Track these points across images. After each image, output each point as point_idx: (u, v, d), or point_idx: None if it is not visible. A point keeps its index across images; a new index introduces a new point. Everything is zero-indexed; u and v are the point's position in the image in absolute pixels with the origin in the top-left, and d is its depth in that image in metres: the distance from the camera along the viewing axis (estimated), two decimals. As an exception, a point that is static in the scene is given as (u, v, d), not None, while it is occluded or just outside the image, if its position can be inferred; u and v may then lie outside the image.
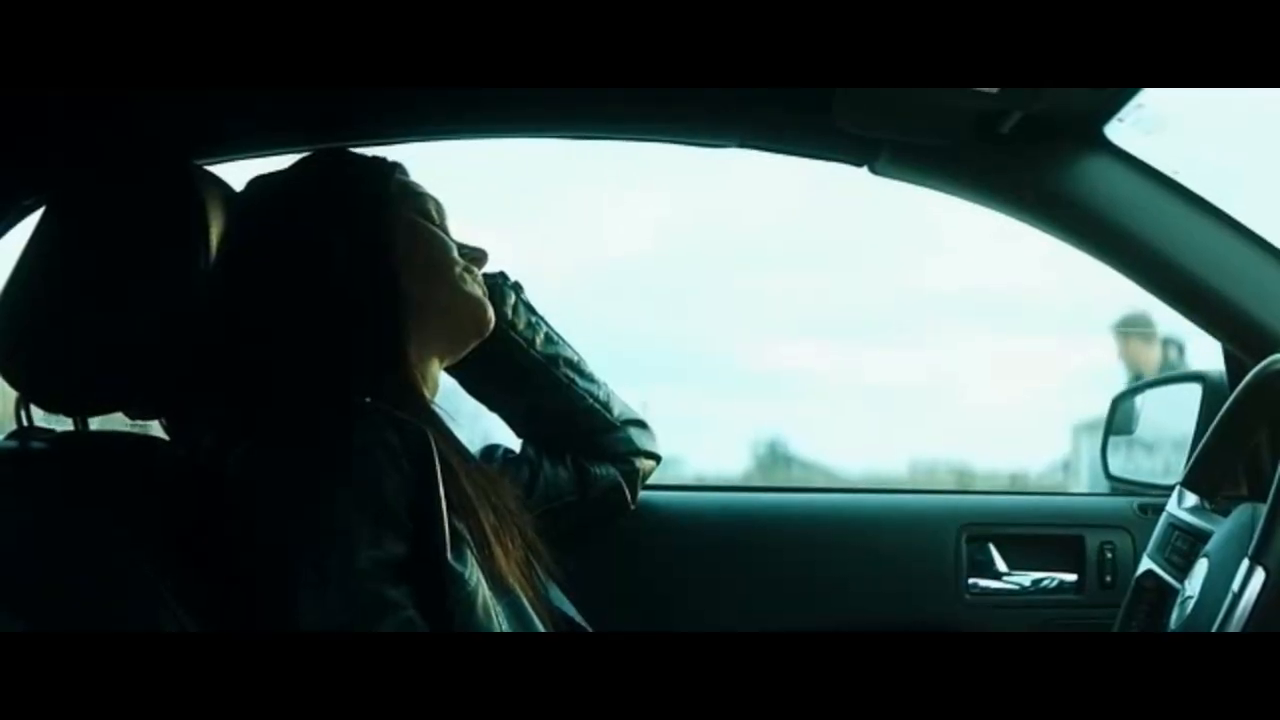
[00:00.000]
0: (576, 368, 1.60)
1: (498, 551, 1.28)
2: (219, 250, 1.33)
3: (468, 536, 1.25)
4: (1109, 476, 1.92)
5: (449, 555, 1.22)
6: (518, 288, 1.58)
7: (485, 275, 1.48)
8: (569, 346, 1.61)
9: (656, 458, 1.67)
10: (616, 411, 1.63)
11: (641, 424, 1.66)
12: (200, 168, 1.41)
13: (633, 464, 1.64)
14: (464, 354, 1.44)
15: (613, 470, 1.62)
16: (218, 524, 1.23)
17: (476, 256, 1.44)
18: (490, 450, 1.59)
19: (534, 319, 1.58)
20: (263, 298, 1.31)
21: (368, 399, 1.25)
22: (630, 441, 1.63)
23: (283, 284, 1.32)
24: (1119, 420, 1.93)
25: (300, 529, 1.18)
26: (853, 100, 1.48)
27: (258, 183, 1.40)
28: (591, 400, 1.60)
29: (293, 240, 1.33)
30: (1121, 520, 1.84)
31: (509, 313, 1.54)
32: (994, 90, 1.37)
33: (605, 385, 1.63)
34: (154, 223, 1.31)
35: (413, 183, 1.42)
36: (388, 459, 1.20)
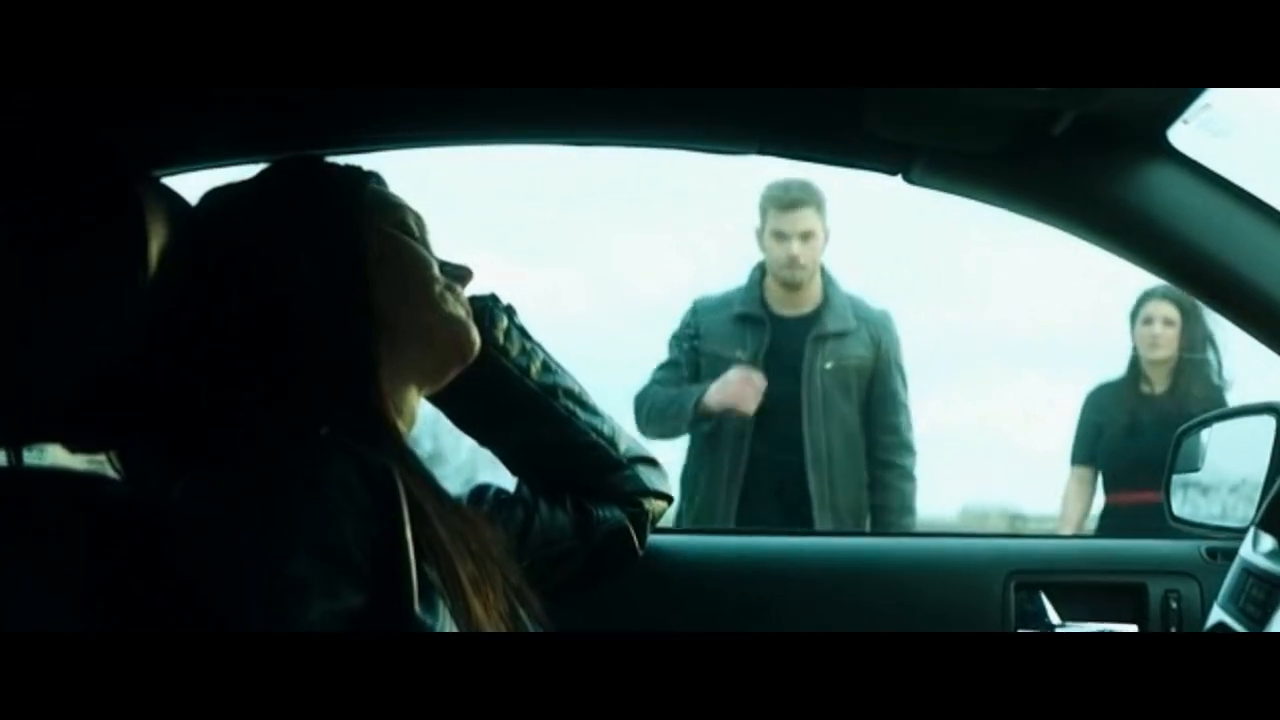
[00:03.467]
0: (578, 399, 1.51)
1: (475, 604, 1.19)
2: (171, 268, 1.24)
3: (440, 586, 1.17)
4: (1173, 519, 1.83)
5: (417, 606, 1.14)
6: (510, 311, 1.49)
7: (474, 297, 1.40)
8: (569, 376, 1.52)
9: (668, 498, 1.57)
10: (623, 448, 1.53)
11: (651, 461, 1.56)
12: (151, 179, 1.33)
13: (641, 505, 1.54)
14: (445, 382, 1.36)
15: (618, 512, 1.53)
16: (154, 571, 1.14)
17: (460, 274, 1.35)
18: (480, 491, 1.49)
19: (529, 345, 1.49)
20: (216, 318, 1.23)
21: (326, 430, 1.17)
22: (638, 480, 1.54)
23: (238, 304, 1.24)
24: (1183, 457, 1.84)
25: (245, 576, 1.09)
26: (885, 101, 1.40)
27: (215, 195, 1.31)
28: (595, 435, 1.51)
29: (251, 257, 1.25)
30: (1188, 566, 1.76)
31: (500, 337, 1.46)
32: (1044, 89, 1.29)
33: (611, 419, 1.54)
34: (90, 239, 1.23)
35: (389, 193, 1.34)
36: (346, 498, 1.12)
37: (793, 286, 3.54)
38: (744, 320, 3.58)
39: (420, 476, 1.22)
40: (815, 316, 3.55)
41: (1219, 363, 4.04)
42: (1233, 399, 3.97)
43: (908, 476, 3.55)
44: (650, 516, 1.56)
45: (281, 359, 1.23)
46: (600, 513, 1.52)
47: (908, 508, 3.51)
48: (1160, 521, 3.66)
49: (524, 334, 1.50)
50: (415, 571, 1.14)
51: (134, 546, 1.18)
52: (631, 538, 1.54)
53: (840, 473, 3.46)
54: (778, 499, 3.46)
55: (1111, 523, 3.95)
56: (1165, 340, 4.01)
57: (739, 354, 3.53)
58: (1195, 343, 4.01)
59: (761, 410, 3.47)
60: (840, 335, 3.50)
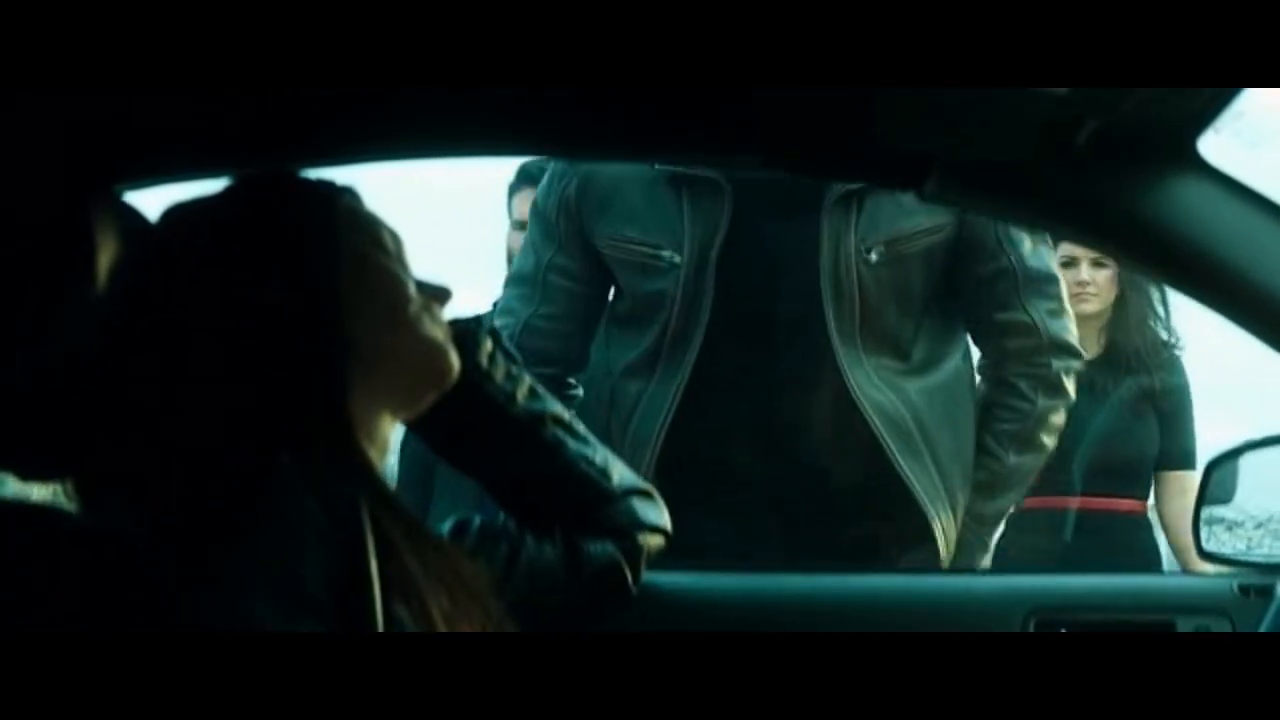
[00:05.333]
0: (567, 427, 1.46)
1: None
2: (127, 288, 1.20)
3: (412, 623, 1.11)
4: (1203, 554, 1.78)
5: None
6: (495, 333, 1.43)
7: (456, 319, 1.35)
8: (558, 403, 1.47)
9: (665, 533, 1.51)
10: (615, 479, 1.47)
11: (647, 494, 1.50)
12: (110, 195, 1.28)
13: (634, 539, 1.47)
14: (421, 408, 1.30)
15: (610, 547, 1.46)
16: (106, 606, 1.08)
17: (437, 294, 1.30)
18: (463, 524, 1.43)
19: (515, 369, 1.44)
20: (173, 340, 1.18)
21: (287, 458, 1.11)
22: (632, 513, 1.47)
23: (197, 325, 1.18)
24: (1215, 487, 1.78)
25: (198, 614, 1.04)
26: (896, 108, 1.33)
27: (177, 210, 1.26)
28: (585, 465, 1.45)
29: (213, 275, 1.19)
30: (1219, 604, 1.68)
31: (484, 361, 1.40)
32: (1064, 92, 1.23)
33: (603, 449, 1.48)
34: (36, 257, 1.18)
35: (364, 209, 1.29)
36: (306, 530, 1.06)
37: None
38: (677, 185, 1.93)
39: (391, 508, 1.17)
40: None
41: (1167, 319, 3.13)
42: (1187, 365, 3.11)
43: (1056, 389, 2.16)
44: (645, 551, 1.49)
45: (244, 383, 1.17)
46: (591, 547, 1.46)
47: (1036, 442, 2.17)
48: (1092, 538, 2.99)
49: (510, 358, 1.44)
50: (382, 608, 1.09)
51: (86, 581, 1.12)
52: (624, 574, 1.47)
53: (946, 450, 2.10)
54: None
55: (1019, 534, 2.88)
56: (1096, 288, 3.04)
57: (667, 253, 1.98)
58: (1135, 293, 3.08)
59: (742, 361, 2.01)
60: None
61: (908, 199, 1.83)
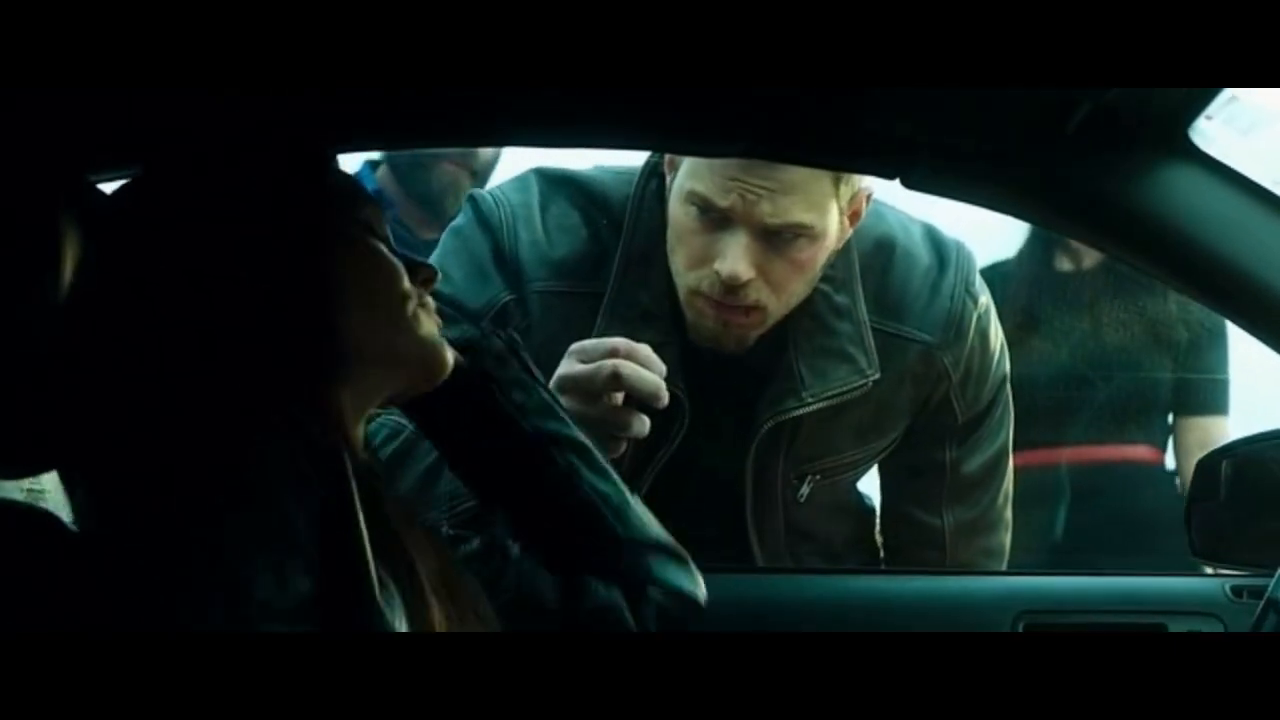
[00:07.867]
0: (586, 457, 1.33)
1: (436, 615, 1.10)
2: (91, 273, 1.16)
3: (396, 592, 1.08)
4: (1195, 553, 1.78)
5: (378, 595, 1.05)
6: (512, 341, 1.35)
7: (466, 330, 1.35)
8: (579, 429, 1.35)
9: (689, 599, 1.33)
10: (635, 528, 1.32)
11: (675, 555, 1.34)
12: (84, 184, 1.27)
13: (645, 592, 1.31)
14: (409, 397, 1.27)
15: (615, 593, 1.30)
16: (87, 605, 1.06)
17: (426, 277, 1.24)
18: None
19: (528, 380, 1.34)
20: (148, 319, 1.13)
21: (269, 447, 1.07)
22: (647, 569, 1.31)
23: (175, 301, 1.13)
24: (1205, 485, 1.78)
25: (175, 614, 1.00)
26: (884, 97, 1.33)
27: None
28: (599, 503, 1.31)
29: (183, 264, 1.15)
30: (1211, 606, 1.71)
31: (493, 368, 1.32)
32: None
33: (628, 493, 1.34)
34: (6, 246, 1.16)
35: (352, 178, 1.24)
36: (288, 528, 1.02)
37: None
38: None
39: (378, 495, 1.12)
40: None
41: None
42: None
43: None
44: (655, 607, 1.31)
45: (224, 364, 1.12)
46: (595, 584, 1.31)
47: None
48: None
49: (525, 367, 1.35)
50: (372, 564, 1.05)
51: (70, 577, 1.09)
52: (625, 620, 1.30)
53: None
54: None
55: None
56: None
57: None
58: None
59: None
60: None
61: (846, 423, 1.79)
